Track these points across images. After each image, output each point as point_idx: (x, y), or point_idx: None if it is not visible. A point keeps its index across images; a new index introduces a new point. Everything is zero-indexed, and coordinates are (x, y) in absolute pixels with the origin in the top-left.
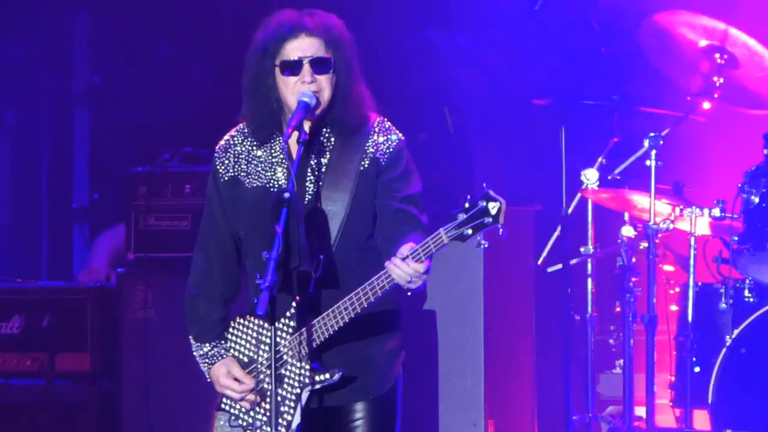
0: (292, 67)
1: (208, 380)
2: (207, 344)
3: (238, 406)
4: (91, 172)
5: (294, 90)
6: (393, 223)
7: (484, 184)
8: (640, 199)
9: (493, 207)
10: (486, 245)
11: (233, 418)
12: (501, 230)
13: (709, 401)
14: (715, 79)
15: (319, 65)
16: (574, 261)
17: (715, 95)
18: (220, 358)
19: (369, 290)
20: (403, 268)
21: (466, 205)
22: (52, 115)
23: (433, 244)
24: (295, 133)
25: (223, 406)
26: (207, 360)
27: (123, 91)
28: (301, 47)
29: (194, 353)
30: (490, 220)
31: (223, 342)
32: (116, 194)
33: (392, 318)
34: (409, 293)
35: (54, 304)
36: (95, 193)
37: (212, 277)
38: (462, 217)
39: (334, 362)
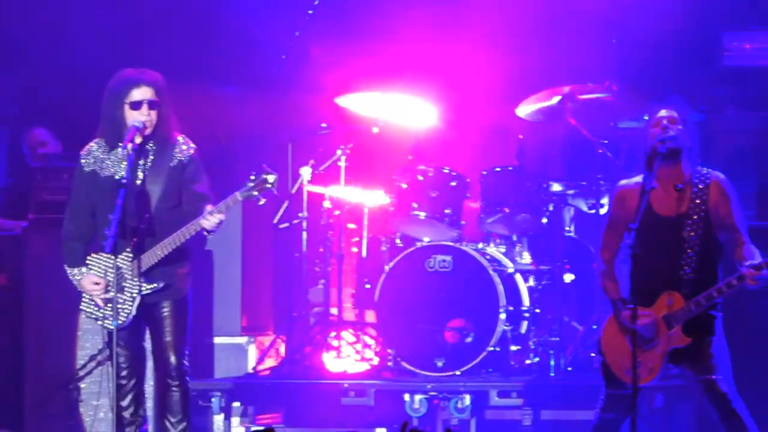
0: (137, 106)
1: (78, 289)
2: (77, 268)
3: (92, 307)
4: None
5: (135, 119)
6: (194, 201)
7: (264, 165)
8: (335, 189)
9: (270, 178)
10: (264, 201)
11: (88, 314)
12: (275, 191)
13: (375, 302)
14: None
15: (152, 105)
16: (296, 221)
17: (378, 126)
18: (85, 275)
19: (181, 235)
20: (210, 219)
21: (252, 177)
22: None
23: (231, 201)
24: (130, 144)
25: (81, 306)
26: (77, 277)
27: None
28: (142, 93)
29: (68, 274)
30: (269, 185)
31: (85, 267)
32: (23, 179)
33: (186, 253)
34: (209, 234)
35: None
36: (9, 178)
37: (78, 228)
38: (251, 184)
39: (154, 277)
